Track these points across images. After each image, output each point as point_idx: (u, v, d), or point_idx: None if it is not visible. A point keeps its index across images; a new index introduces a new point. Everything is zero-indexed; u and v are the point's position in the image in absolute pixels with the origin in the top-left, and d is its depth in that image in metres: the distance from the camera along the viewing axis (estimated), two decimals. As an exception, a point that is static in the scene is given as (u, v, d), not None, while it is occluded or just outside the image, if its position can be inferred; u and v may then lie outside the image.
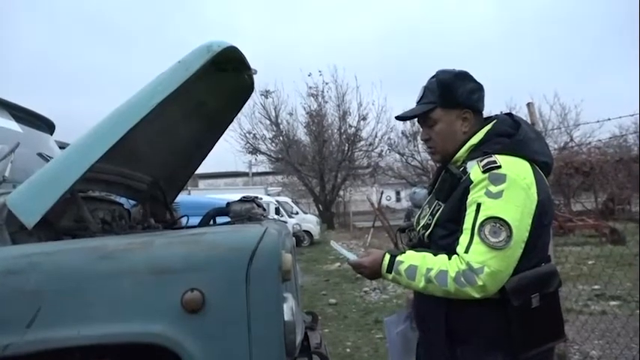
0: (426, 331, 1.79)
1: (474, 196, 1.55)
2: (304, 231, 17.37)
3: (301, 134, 26.36)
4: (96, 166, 1.84)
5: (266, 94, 24.35)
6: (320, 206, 25.96)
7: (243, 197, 2.46)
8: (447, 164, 1.75)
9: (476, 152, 1.66)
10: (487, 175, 1.54)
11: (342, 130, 24.94)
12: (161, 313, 1.46)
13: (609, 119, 4.53)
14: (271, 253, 1.57)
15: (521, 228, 1.50)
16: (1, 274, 1.48)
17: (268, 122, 25.29)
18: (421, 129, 1.86)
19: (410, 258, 1.63)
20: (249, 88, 2.66)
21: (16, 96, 2.56)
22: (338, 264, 11.56)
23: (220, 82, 2.45)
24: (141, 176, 2.77)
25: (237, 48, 2.08)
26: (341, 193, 28.43)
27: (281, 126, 25.39)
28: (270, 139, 25.74)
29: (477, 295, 1.49)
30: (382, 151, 25.81)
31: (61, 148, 2.90)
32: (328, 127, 25.13)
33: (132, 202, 2.92)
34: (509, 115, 1.78)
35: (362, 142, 25.79)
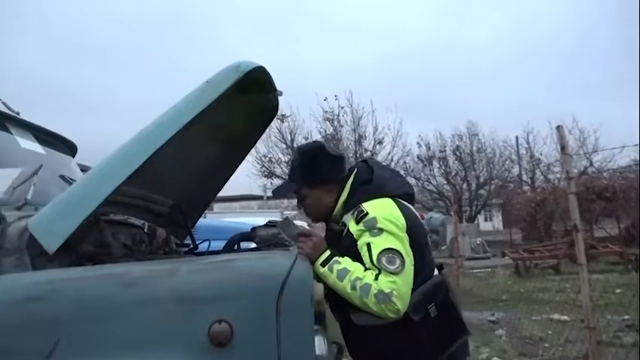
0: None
1: (361, 241, 1.80)
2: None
3: (317, 158, 26.28)
4: (119, 189, 1.79)
5: (282, 118, 24.41)
6: (335, 230, 25.69)
7: (269, 222, 2.38)
8: (327, 222, 2.07)
9: (348, 205, 1.94)
10: (362, 223, 1.81)
11: (358, 154, 24.86)
12: (187, 347, 1.37)
13: (636, 145, 4.41)
14: (303, 282, 1.49)
15: (407, 252, 1.78)
16: (21, 301, 1.41)
17: (284, 146, 25.34)
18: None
19: (346, 261, 1.78)
20: (273, 110, 2.60)
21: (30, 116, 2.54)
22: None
23: (244, 104, 2.39)
24: (162, 199, 2.71)
25: (265, 68, 2.03)
26: (356, 217, 28.20)
27: (296, 150, 25.39)
28: (285, 162, 25.72)
29: (390, 315, 1.69)
30: (398, 175, 25.63)
31: (82, 171, 2.86)
32: (344, 151, 25.09)
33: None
34: (365, 161, 2.10)
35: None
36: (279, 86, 2.41)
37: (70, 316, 1.40)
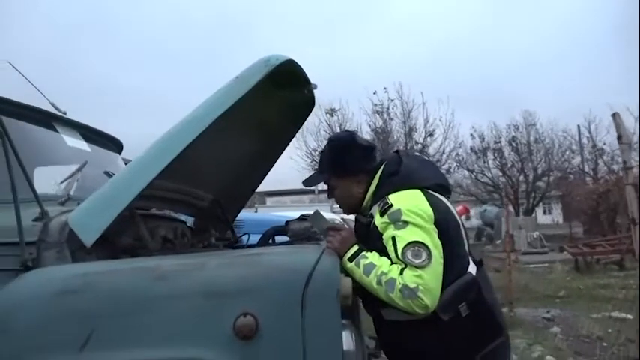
0: (390, 357, 1.99)
1: (386, 234, 1.76)
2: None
3: (367, 152, 26.10)
4: (156, 183, 1.83)
5: (331, 112, 24.40)
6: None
7: (302, 216, 2.38)
8: (357, 214, 2.04)
9: (376, 197, 1.91)
10: (386, 216, 1.78)
11: (409, 147, 24.49)
12: (212, 339, 1.39)
13: None
14: (329, 276, 1.47)
15: (435, 244, 1.72)
16: (58, 293, 1.48)
17: (334, 140, 25.32)
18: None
19: (373, 256, 1.75)
20: (310, 103, 2.60)
21: (82, 117, 2.66)
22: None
23: (280, 99, 2.40)
24: (202, 194, 2.77)
25: (295, 61, 2.02)
26: (408, 210, 27.81)
27: (346, 143, 25.29)
28: (335, 156, 25.66)
29: (419, 310, 1.64)
30: (450, 167, 25.03)
31: (127, 166, 2.97)
32: (394, 144, 24.78)
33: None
34: (397, 152, 2.07)
35: (429, 159, 25.14)
36: (319, 80, 2.40)
37: (102, 308, 1.44)
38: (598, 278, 9.27)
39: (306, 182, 2.17)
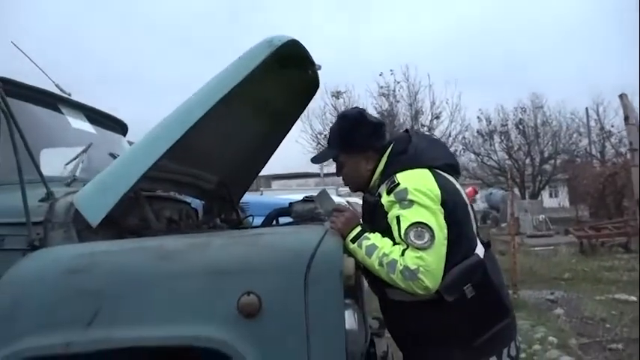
0: (395, 337, 2.00)
1: (391, 213, 1.75)
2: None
3: (372, 134, 25.99)
4: (161, 165, 1.84)
5: (337, 94, 24.25)
6: (392, 207, 25.46)
7: (306, 197, 2.39)
8: (364, 192, 2.01)
9: (384, 175, 1.90)
10: (392, 194, 1.75)
11: (415, 130, 24.39)
12: (217, 317, 1.41)
13: None
14: (332, 256, 1.48)
15: (440, 225, 1.70)
16: (65, 273, 1.50)
17: (339, 123, 25.19)
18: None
19: (375, 237, 1.74)
20: (314, 84, 2.59)
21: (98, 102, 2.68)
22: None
23: (284, 80, 2.39)
24: (208, 176, 2.78)
25: (298, 42, 2.01)
26: (413, 193, 27.79)
27: (352, 126, 25.17)
28: (341, 139, 25.57)
29: (420, 292, 1.63)
30: (456, 150, 24.93)
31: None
32: (400, 126, 24.65)
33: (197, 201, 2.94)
34: (407, 131, 2.08)
35: (439, 139, 25.00)
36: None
37: (108, 287, 1.47)
38: (603, 261, 9.26)
39: (314, 159, 2.16)
